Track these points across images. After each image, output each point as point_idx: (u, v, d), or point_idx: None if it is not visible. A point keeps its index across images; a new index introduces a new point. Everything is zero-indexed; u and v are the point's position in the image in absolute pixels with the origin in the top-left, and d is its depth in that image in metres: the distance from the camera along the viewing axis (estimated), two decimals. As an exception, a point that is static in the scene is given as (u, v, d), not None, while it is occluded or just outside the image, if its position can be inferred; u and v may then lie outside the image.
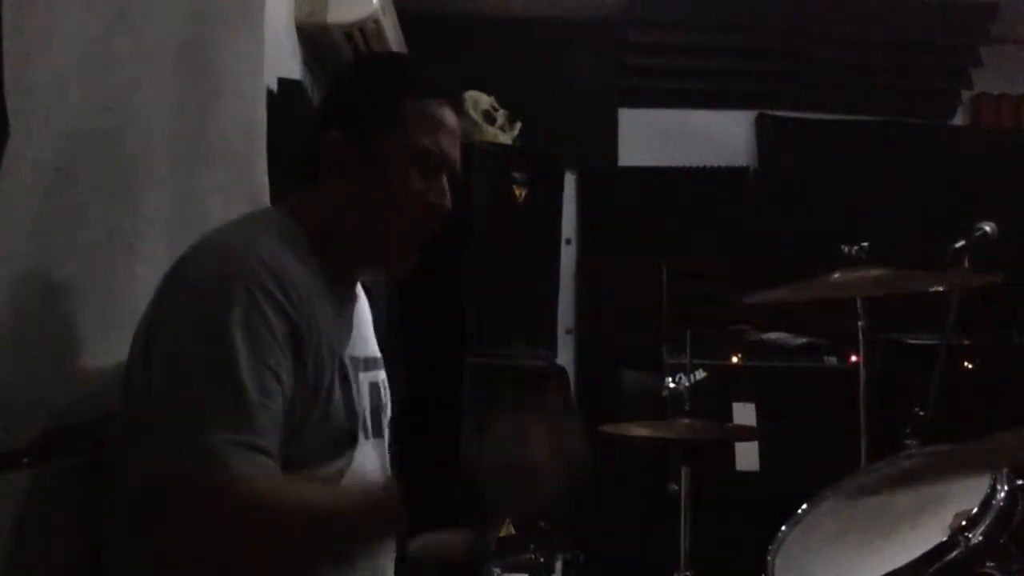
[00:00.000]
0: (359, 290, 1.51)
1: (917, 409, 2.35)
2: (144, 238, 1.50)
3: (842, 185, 4.20)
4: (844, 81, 4.40)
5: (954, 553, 1.63)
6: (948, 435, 2.04)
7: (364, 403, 1.38)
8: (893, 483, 1.97)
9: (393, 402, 1.54)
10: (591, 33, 4.33)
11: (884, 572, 1.66)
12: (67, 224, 1.27)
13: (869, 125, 4.40)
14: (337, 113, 1.38)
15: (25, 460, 1.17)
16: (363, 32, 2.94)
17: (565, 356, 4.06)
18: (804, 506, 2.02)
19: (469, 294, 3.39)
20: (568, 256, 4.18)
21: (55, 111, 1.22)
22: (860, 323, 2.52)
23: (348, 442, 1.31)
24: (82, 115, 1.28)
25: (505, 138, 3.67)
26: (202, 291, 1.20)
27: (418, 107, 1.37)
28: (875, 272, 2.24)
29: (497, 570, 2.01)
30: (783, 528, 1.98)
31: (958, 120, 4.52)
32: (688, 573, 2.58)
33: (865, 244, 2.28)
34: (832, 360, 3.60)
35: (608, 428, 2.59)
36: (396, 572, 1.44)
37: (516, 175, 3.55)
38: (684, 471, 2.62)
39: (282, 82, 2.44)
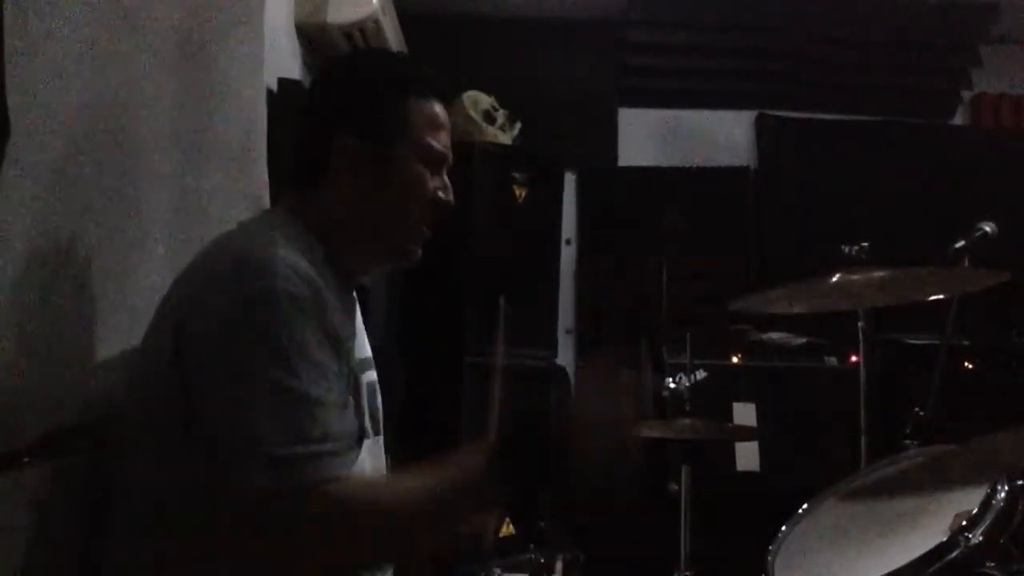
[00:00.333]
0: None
1: (917, 409, 2.35)
2: (144, 238, 1.50)
3: (842, 185, 4.20)
4: (844, 81, 4.40)
5: (954, 553, 1.63)
6: (948, 435, 2.04)
7: (365, 403, 1.39)
8: (893, 483, 1.97)
9: (391, 402, 1.55)
10: (591, 33, 4.33)
11: (884, 572, 1.66)
12: (67, 224, 1.27)
13: (869, 125, 4.40)
14: (346, 117, 1.38)
15: (25, 460, 1.17)
16: (363, 32, 2.94)
17: (565, 356, 4.05)
18: (804, 506, 2.02)
19: (469, 294, 3.39)
20: (568, 256, 4.17)
21: (55, 111, 1.22)
22: (860, 323, 2.53)
23: (357, 442, 1.32)
24: (82, 115, 1.29)
25: (505, 138, 3.67)
26: (247, 306, 1.19)
27: (420, 107, 1.40)
28: (878, 274, 2.23)
29: (497, 570, 2.01)
30: (783, 528, 1.98)
31: (958, 120, 4.52)
32: (688, 573, 2.58)
33: (865, 244, 2.28)
34: (832, 360, 3.60)
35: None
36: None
37: (516, 175, 3.55)
38: (684, 471, 2.62)
39: (282, 82, 2.44)
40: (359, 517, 1.16)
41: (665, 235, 4.23)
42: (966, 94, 4.49)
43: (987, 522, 1.66)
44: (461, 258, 3.37)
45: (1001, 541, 1.66)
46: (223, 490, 1.14)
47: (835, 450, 2.83)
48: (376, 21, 2.94)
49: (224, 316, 1.20)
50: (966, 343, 3.41)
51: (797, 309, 2.42)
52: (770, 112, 4.42)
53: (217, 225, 1.66)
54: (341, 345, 1.27)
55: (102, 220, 1.36)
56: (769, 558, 1.92)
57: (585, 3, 4.20)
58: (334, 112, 1.40)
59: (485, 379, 3.37)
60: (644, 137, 4.38)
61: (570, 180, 4.20)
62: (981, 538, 1.64)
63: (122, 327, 1.39)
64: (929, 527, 1.73)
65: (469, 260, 3.40)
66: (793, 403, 3.49)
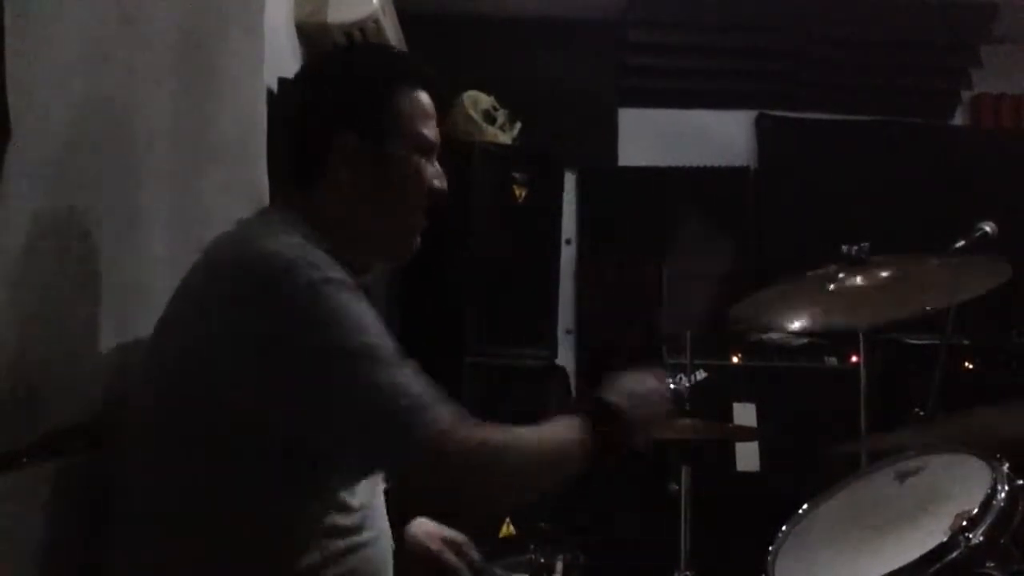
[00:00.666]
0: None
1: (917, 409, 2.35)
2: (144, 237, 1.50)
3: (842, 185, 4.20)
4: (844, 81, 4.40)
5: (954, 553, 1.63)
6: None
7: None
8: (893, 483, 1.97)
9: None
10: (591, 33, 4.33)
11: (884, 572, 1.66)
12: (67, 224, 1.27)
13: (869, 125, 4.40)
14: (342, 114, 1.38)
15: (25, 460, 1.17)
16: (363, 32, 2.94)
17: (565, 356, 4.05)
18: (804, 506, 2.02)
19: (469, 294, 3.39)
20: (568, 256, 4.17)
21: (55, 111, 1.22)
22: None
23: None
24: (82, 115, 1.28)
25: (505, 138, 3.67)
26: (314, 299, 1.19)
27: (410, 98, 1.41)
28: (882, 273, 2.23)
29: (497, 570, 2.01)
30: (783, 528, 1.98)
31: (958, 120, 4.52)
32: (688, 573, 2.58)
33: (865, 244, 2.28)
34: (832, 360, 3.60)
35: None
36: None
37: (516, 175, 3.55)
38: (684, 471, 2.62)
39: (282, 82, 2.44)
40: (507, 450, 1.24)
41: (666, 236, 4.24)
42: (966, 94, 4.49)
43: (987, 522, 1.66)
44: (461, 258, 3.37)
45: (1001, 541, 1.66)
46: (401, 459, 1.19)
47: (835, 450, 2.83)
48: (376, 21, 2.94)
49: (288, 315, 1.19)
50: (966, 343, 3.41)
51: (798, 324, 2.43)
52: (770, 112, 4.41)
53: (217, 225, 1.66)
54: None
55: (102, 220, 1.36)
56: (769, 558, 1.92)
57: (585, 3, 4.20)
58: (329, 110, 1.39)
59: (485, 379, 3.38)
60: (644, 137, 4.38)
61: (570, 180, 4.19)
62: (981, 538, 1.64)
63: (122, 327, 1.39)
64: (929, 527, 1.73)
65: (469, 260, 3.40)
66: (793, 403, 3.49)
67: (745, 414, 3.48)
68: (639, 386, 1.45)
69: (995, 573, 1.64)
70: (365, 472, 1.30)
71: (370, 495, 1.37)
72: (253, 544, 1.20)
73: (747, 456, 3.45)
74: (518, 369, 3.52)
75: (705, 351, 3.33)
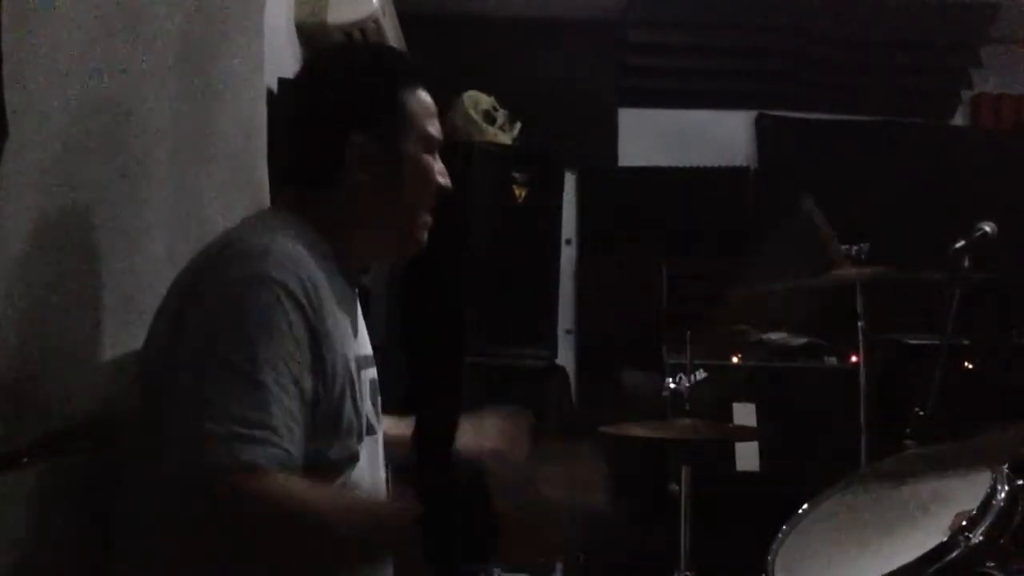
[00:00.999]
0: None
1: (917, 409, 2.35)
2: (144, 238, 1.50)
3: (842, 185, 4.19)
4: (844, 81, 4.40)
5: (954, 553, 1.63)
6: (948, 435, 2.04)
7: (367, 400, 1.39)
8: (894, 482, 1.97)
9: (391, 401, 1.55)
10: (591, 33, 4.33)
11: (884, 572, 1.66)
12: (67, 224, 1.27)
13: (869, 125, 4.40)
14: (355, 116, 1.38)
15: (25, 460, 1.17)
16: (363, 32, 2.94)
17: (565, 356, 4.05)
18: (804, 506, 2.02)
19: (469, 294, 3.39)
20: (568, 256, 4.17)
21: (55, 111, 1.22)
22: (860, 323, 2.53)
23: (357, 443, 1.32)
24: (82, 115, 1.28)
25: (505, 138, 3.67)
26: (227, 293, 1.20)
27: (414, 97, 1.43)
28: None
29: (497, 570, 2.01)
30: (783, 528, 1.98)
31: (958, 120, 4.52)
32: (688, 573, 2.58)
33: (866, 244, 2.28)
34: (832, 360, 3.60)
35: (608, 428, 2.59)
36: None
37: (516, 175, 3.55)
38: (684, 471, 2.62)
39: (282, 82, 2.44)
40: (277, 513, 1.12)
41: (665, 235, 4.23)
42: (966, 94, 4.49)
43: (987, 522, 1.66)
44: (461, 258, 3.36)
45: (1001, 541, 1.66)
46: (164, 464, 1.13)
47: (835, 450, 2.83)
48: (376, 21, 2.94)
49: (200, 302, 1.21)
50: (966, 343, 3.41)
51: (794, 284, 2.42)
52: (770, 112, 4.42)
53: (217, 225, 1.66)
54: (331, 343, 1.26)
55: (102, 220, 1.36)
56: (769, 558, 1.92)
57: (585, 3, 4.20)
58: (340, 113, 1.39)
59: (485, 379, 3.38)
60: (644, 137, 4.38)
61: (570, 180, 4.19)
62: (981, 538, 1.64)
63: (123, 327, 1.39)
64: (929, 527, 1.73)
65: (469, 260, 3.40)
66: (793, 403, 3.49)
67: (745, 414, 3.48)
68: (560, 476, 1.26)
69: (995, 573, 1.64)
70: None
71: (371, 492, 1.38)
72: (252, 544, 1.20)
73: (747, 456, 3.44)
74: (518, 369, 3.52)
75: (705, 351, 3.32)
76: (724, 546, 2.70)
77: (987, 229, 2.38)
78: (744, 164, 4.41)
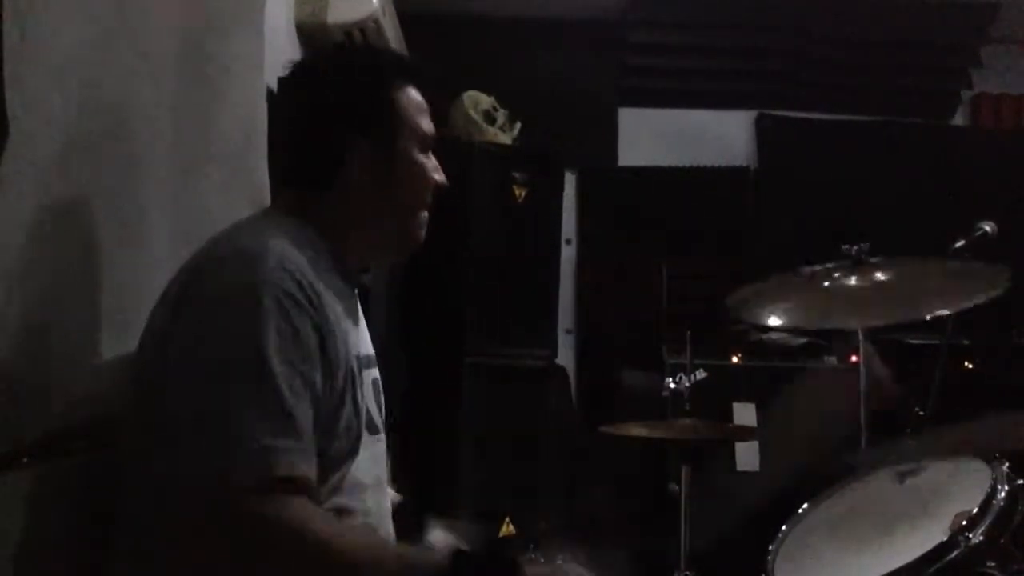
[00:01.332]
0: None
1: (917, 409, 2.35)
2: (144, 238, 1.50)
3: (842, 185, 4.19)
4: (844, 81, 4.39)
5: (954, 553, 1.63)
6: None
7: (370, 400, 1.39)
8: (893, 483, 1.97)
9: (391, 402, 1.55)
10: (591, 33, 4.33)
11: (884, 572, 1.66)
12: (67, 224, 1.27)
13: (869, 125, 4.39)
14: (351, 118, 1.39)
15: (25, 460, 1.17)
16: (363, 32, 2.94)
17: (565, 356, 4.05)
18: (804, 506, 2.02)
19: (469, 294, 3.39)
20: (568, 256, 4.17)
21: (55, 111, 1.22)
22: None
23: (356, 439, 1.32)
24: (82, 115, 1.28)
25: (505, 138, 3.67)
26: (228, 297, 1.20)
27: (407, 96, 1.43)
28: (880, 277, 2.23)
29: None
30: (783, 528, 1.98)
31: (958, 120, 4.51)
32: (688, 573, 2.57)
33: (866, 244, 2.28)
34: (832, 360, 3.60)
35: (608, 428, 2.59)
36: None
37: (516, 175, 3.54)
38: (684, 471, 2.62)
39: (282, 82, 2.43)
40: (303, 537, 1.12)
41: (665, 235, 4.24)
42: (966, 94, 4.49)
43: (987, 522, 1.66)
44: (461, 258, 3.36)
45: (1001, 541, 1.66)
46: (179, 475, 1.13)
47: (835, 450, 2.82)
48: (376, 21, 2.94)
49: (200, 307, 1.21)
50: (966, 343, 3.41)
51: (795, 320, 2.42)
52: (770, 112, 4.41)
53: (217, 225, 1.66)
54: (334, 341, 1.26)
55: (102, 221, 1.36)
56: (769, 558, 1.92)
57: (585, 3, 4.19)
58: (336, 115, 1.40)
59: (485, 379, 3.38)
60: (644, 137, 4.38)
61: (570, 180, 4.19)
62: (981, 538, 1.64)
63: (122, 328, 1.39)
64: (929, 527, 1.73)
65: (469, 260, 3.40)
66: (793, 403, 3.49)
67: (745, 414, 3.47)
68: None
69: (995, 573, 1.64)
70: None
71: (376, 503, 1.38)
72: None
73: (747, 456, 3.44)
74: (518, 369, 3.52)
75: (705, 351, 3.32)
76: (724, 546, 2.70)
77: (987, 229, 2.38)
78: (744, 164, 4.41)
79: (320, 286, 1.27)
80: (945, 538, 1.65)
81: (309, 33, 2.88)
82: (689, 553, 2.59)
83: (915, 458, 1.95)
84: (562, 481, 3.64)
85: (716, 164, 4.37)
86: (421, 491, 1.81)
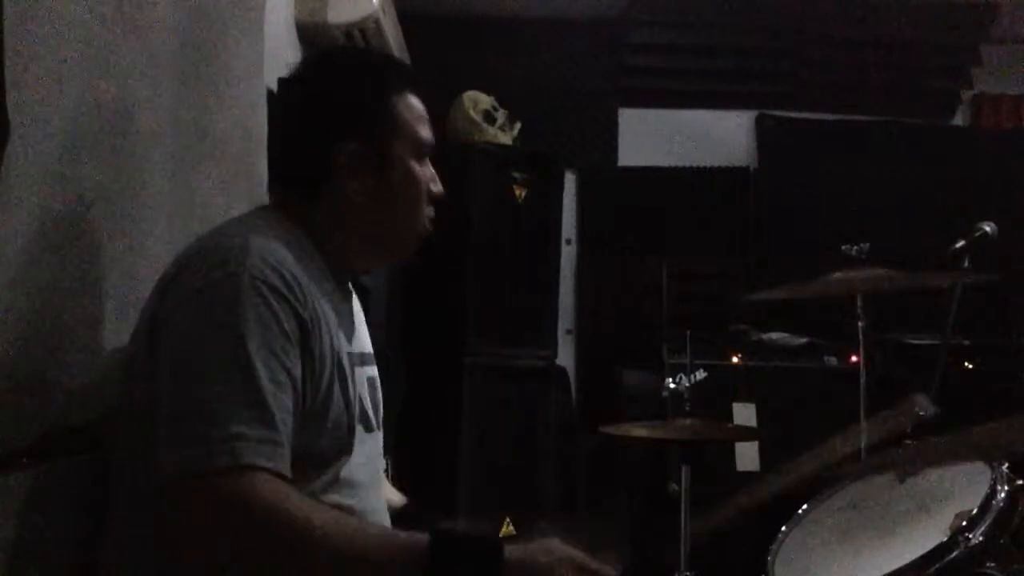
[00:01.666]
0: (349, 286, 1.53)
1: (917, 409, 2.35)
2: (144, 238, 1.50)
3: (842, 185, 4.20)
4: (844, 81, 4.40)
5: (954, 553, 1.63)
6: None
7: (365, 398, 1.39)
8: (893, 483, 1.97)
9: (391, 402, 1.55)
10: (591, 33, 4.33)
11: (884, 572, 1.67)
12: (67, 224, 1.27)
13: (869, 125, 4.40)
14: (344, 123, 1.39)
15: (25, 460, 1.17)
16: (363, 32, 2.94)
17: (565, 356, 4.06)
18: (804, 506, 2.02)
19: (469, 294, 3.39)
20: (568, 256, 4.17)
21: (55, 111, 1.22)
22: (860, 323, 2.53)
23: (347, 436, 1.32)
24: (82, 115, 1.28)
25: (505, 138, 3.67)
26: (209, 291, 1.21)
27: (405, 103, 1.42)
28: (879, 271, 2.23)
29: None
30: (783, 528, 1.98)
31: (958, 120, 4.52)
32: (688, 573, 2.57)
33: (865, 244, 2.28)
34: (832, 360, 3.60)
35: (608, 428, 2.59)
36: None
37: (516, 175, 3.55)
38: (684, 471, 2.62)
39: (282, 82, 2.44)
40: (277, 520, 1.11)
41: (665, 235, 4.24)
42: (966, 94, 4.49)
43: (987, 522, 1.66)
44: (461, 258, 3.37)
45: (1001, 541, 1.67)
46: (157, 463, 1.13)
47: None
48: (376, 21, 2.94)
49: (181, 301, 1.22)
50: (966, 343, 3.41)
51: (796, 293, 2.41)
52: (770, 112, 4.42)
53: (216, 225, 1.66)
54: (319, 335, 1.26)
55: (102, 221, 1.36)
56: (769, 558, 1.92)
57: (585, 3, 4.20)
58: (329, 119, 1.39)
59: (485, 379, 3.38)
60: (644, 137, 4.38)
61: (570, 180, 4.20)
62: (981, 538, 1.64)
63: (122, 328, 1.39)
64: (929, 527, 1.73)
65: (469, 260, 3.40)
66: (793, 403, 3.49)
67: (745, 414, 3.48)
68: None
69: (995, 573, 1.64)
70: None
71: (372, 501, 1.38)
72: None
73: (747, 456, 3.44)
74: (518, 369, 3.52)
75: (705, 351, 3.32)
76: (724, 546, 2.70)
77: (987, 229, 2.38)
78: (744, 164, 4.41)
79: (305, 280, 1.26)
80: (945, 538, 1.65)
81: (309, 33, 2.88)
82: (689, 553, 2.59)
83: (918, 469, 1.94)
84: (562, 481, 3.64)
85: (716, 164, 4.38)
86: (421, 491, 1.81)
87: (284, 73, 1.50)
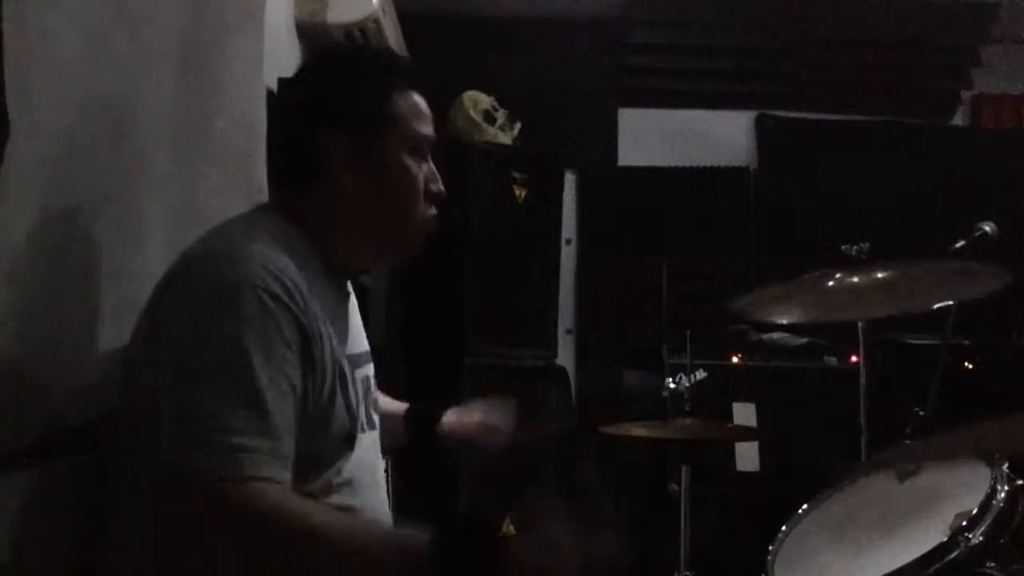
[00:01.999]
0: (348, 286, 1.53)
1: (917, 409, 2.35)
2: (144, 238, 1.50)
3: (842, 185, 4.19)
4: (844, 81, 4.39)
5: (954, 553, 1.63)
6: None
7: (360, 398, 1.39)
8: (892, 483, 1.97)
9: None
10: (591, 33, 4.33)
11: (884, 572, 1.66)
12: (67, 224, 1.27)
13: (869, 125, 4.39)
14: (334, 117, 1.38)
15: (25, 460, 1.17)
16: (363, 32, 2.94)
17: (565, 356, 4.05)
18: (804, 506, 2.02)
19: (469, 294, 3.39)
20: (568, 256, 4.17)
21: (55, 111, 1.22)
22: (860, 323, 2.52)
23: (348, 439, 1.32)
24: (82, 115, 1.28)
25: (505, 138, 3.67)
26: (210, 296, 1.21)
27: (405, 99, 1.42)
28: (880, 275, 2.22)
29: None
30: (783, 528, 1.98)
31: (958, 120, 4.51)
32: (688, 573, 2.57)
33: (865, 244, 2.28)
34: (832, 360, 3.60)
35: (608, 428, 2.59)
36: None
37: (516, 175, 3.55)
38: (684, 471, 2.62)
39: (282, 82, 2.44)
40: (278, 525, 1.12)
41: (665, 235, 4.24)
42: (966, 94, 4.48)
43: (987, 522, 1.66)
44: (461, 258, 3.37)
45: (1001, 541, 1.66)
46: (159, 465, 1.14)
47: (835, 450, 2.83)
48: (376, 21, 2.94)
49: (182, 306, 1.22)
50: (966, 343, 3.41)
51: (796, 318, 2.42)
52: (770, 112, 4.41)
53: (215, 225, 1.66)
54: (320, 342, 1.26)
55: (102, 221, 1.36)
56: (769, 558, 1.92)
57: (585, 3, 4.19)
58: (319, 114, 1.40)
59: (485, 379, 3.38)
60: (644, 137, 4.38)
61: (570, 180, 4.19)
62: (981, 538, 1.64)
63: (122, 328, 1.39)
64: (929, 527, 1.73)
65: (469, 260, 3.40)
66: (793, 403, 3.49)
67: (745, 414, 3.47)
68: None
69: (995, 573, 1.64)
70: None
71: (372, 500, 1.38)
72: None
73: (747, 456, 3.44)
74: (518, 369, 3.52)
75: (705, 351, 3.32)
76: (724, 546, 2.70)
77: (987, 229, 2.38)
78: (744, 164, 4.41)
79: (305, 287, 1.26)
80: (945, 538, 1.65)
81: (309, 33, 2.88)
82: (689, 553, 2.59)
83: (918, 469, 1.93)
84: (562, 481, 3.64)
85: (716, 164, 4.37)
86: (421, 491, 1.81)
87: (284, 73, 1.51)
